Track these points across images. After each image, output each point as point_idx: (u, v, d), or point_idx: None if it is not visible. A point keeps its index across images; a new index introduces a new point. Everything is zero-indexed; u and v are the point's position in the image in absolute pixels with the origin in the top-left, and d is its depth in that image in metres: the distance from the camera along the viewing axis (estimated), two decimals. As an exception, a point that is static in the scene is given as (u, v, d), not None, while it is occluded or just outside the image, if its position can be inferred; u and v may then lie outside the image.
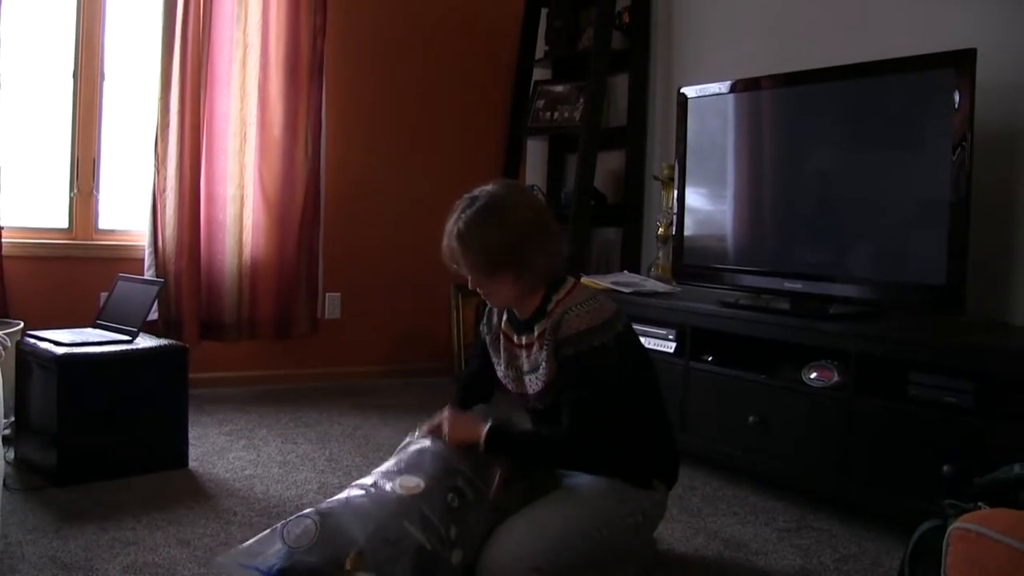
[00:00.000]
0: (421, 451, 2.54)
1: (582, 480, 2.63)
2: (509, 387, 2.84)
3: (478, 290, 2.68)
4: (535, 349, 2.66)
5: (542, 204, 2.84)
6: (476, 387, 2.97)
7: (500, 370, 2.85)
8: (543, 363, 2.61)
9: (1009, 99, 3.47)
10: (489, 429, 2.50)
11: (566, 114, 5.52)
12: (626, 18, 5.29)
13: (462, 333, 5.67)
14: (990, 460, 2.34)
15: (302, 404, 4.93)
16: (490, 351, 2.89)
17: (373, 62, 5.56)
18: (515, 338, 2.75)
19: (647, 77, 5.28)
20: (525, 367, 2.73)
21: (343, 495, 2.44)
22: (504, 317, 2.83)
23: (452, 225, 2.61)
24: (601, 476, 2.60)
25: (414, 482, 2.39)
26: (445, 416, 2.61)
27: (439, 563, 2.26)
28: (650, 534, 2.80)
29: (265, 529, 3.01)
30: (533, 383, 2.68)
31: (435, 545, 2.27)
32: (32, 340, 3.68)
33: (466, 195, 2.66)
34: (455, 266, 2.65)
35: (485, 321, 2.93)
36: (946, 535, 2.00)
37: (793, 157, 3.83)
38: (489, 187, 2.64)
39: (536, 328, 2.65)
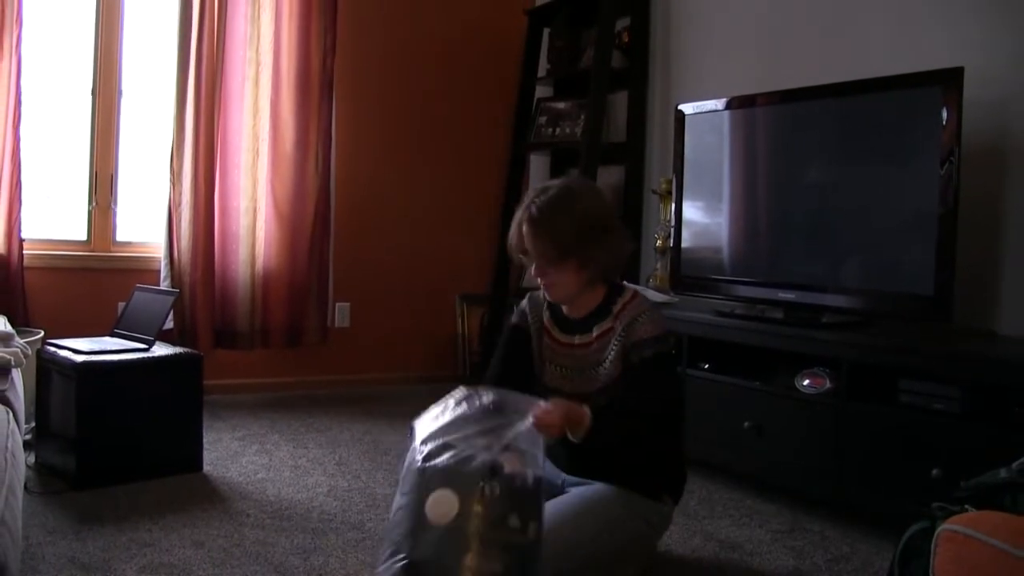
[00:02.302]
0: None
1: (592, 488, 2.61)
2: (548, 384, 2.76)
3: (539, 280, 2.65)
4: (593, 349, 2.64)
5: (610, 202, 2.84)
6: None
7: (547, 369, 2.79)
8: (607, 363, 2.61)
9: (995, 115, 3.48)
10: (591, 413, 2.41)
11: (567, 130, 5.53)
12: (625, 38, 5.31)
13: (467, 341, 5.68)
14: (977, 464, 2.34)
15: (313, 410, 4.94)
16: (534, 342, 2.83)
17: (381, 80, 5.58)
18: (563, 337, 2.73)
19: (645, 94, 5.29)
20: (575, 366, 2.70)
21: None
22: (547, 316, 2.80)
23: (523, 211, 2.62)
24: (632, 471, 2.60)
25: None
26: (546, 407, 2.35)
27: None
28: (653, 544, 2.80)
29: (276, 532, 3.03)
30: (587, 383, 2.66)
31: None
32: (52, 348, 3.69)
33: (538, 185, 2.67)
34: (520, 255, 2.67)
35: (526, 318, 2.87)
36: (934, 537, 2.00)
37: (787, 171, 3.84)
38: (561, 180, 2.66)
39: (596, 328, 2.64)
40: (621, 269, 2.73)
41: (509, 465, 2.14)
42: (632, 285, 2.79)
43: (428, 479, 2.15)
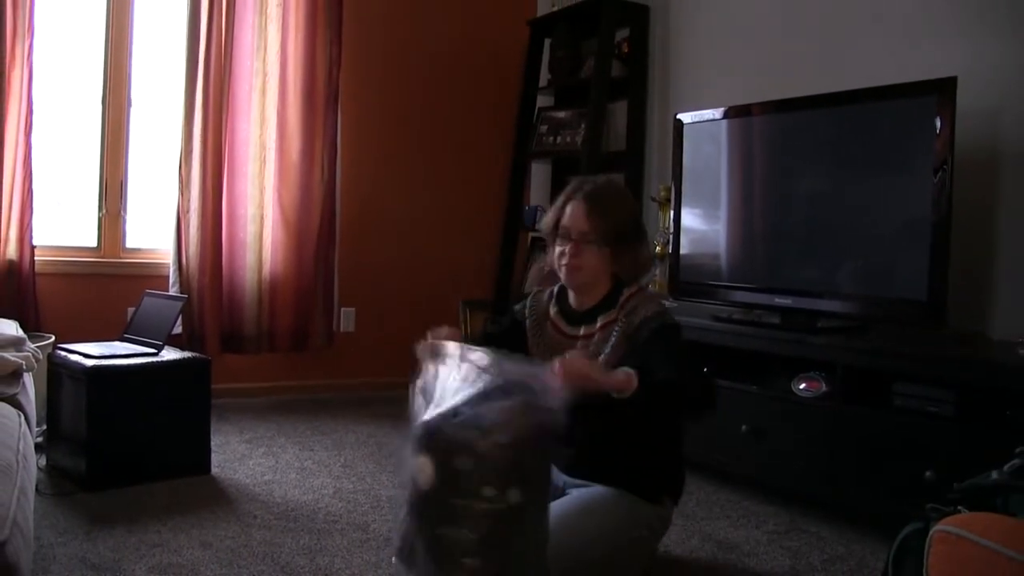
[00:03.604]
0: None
1: (593, 491, 2.58)
2: None
3: (564, 261, 2.61)
4: (597, 339, 2.62)
5: None
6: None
7: (538, 356, 2.72)
8: (607, 350, 2.58)
9: (987, 124, 3.49)
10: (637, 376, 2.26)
11: (568, 139, 5.53)
12: (625, 48, 5.32)
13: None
14: (970, 466, 2.34)
15: (318, 413, 4.94)
16: (529, 336, 2.82)
17: (386, 90, 5.59)
18: (568, 329, 2.71)
19: (645, 104, 5.30)
20: (579, 355, 2.57)
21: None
22: (554, 307, 2.79)
23: (574, 191, 2.66)
24: (633, 473, 2.57)
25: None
26: (566, 361, 2.23)
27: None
28: (653, 547, 2.79)
29: (283, 533, 3.03)
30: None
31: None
32: (63, 353, 3.69)
33: (578, 178, 2.73)
34: (553, 236, 2.68)
35: (529, 306, 2.86)
36: (928, 537, 2.00)
37: (783, 179, 3.85)
38: (608, 177, 2.73)
39: (601, 318, 2.63)
40: (640, 275, 2.73)
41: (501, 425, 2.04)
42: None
43: (414, 441, 2.13)
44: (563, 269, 2.65)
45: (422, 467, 2.06)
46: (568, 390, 2.10)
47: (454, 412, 2.04)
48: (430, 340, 2.38)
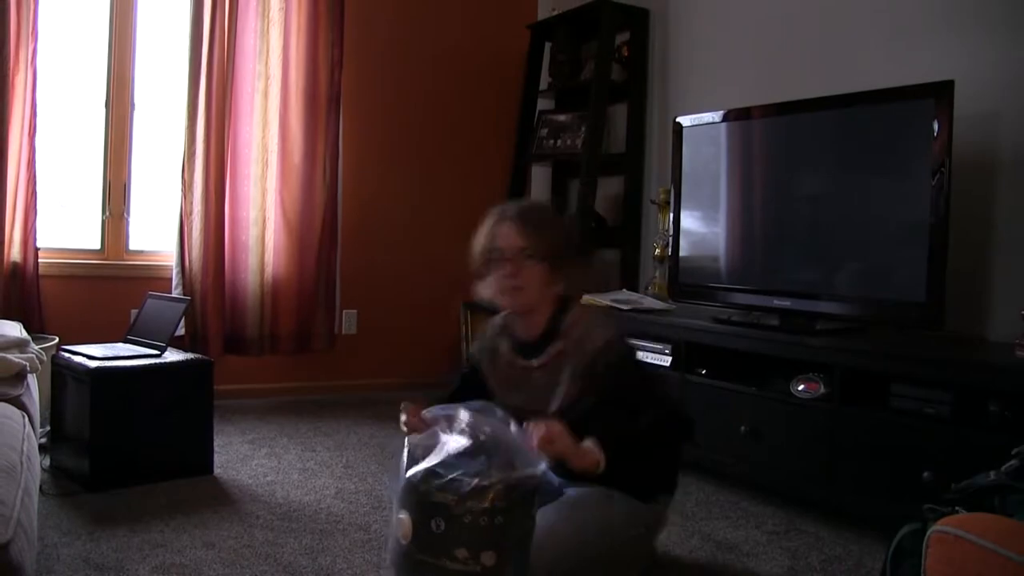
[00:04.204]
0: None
1: (589, 491, 2.54)
2: (507, 404, 2.54)
3: (504, 284, 2.55)
4: (549, 370, 2.58)
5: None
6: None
7: (497, 390, 2.71)
8: (562, 385, 2.54)
9: (984, 128, 3.50)
10: (600, 447, 2.28)
11: (568, 142, 5.54)
12: (625, 52, 5.32)
13: (471, 347, 5.68)
14: (967, 467, 2.34)
15: (321, 414, 4.94)
16: (486, 375, 2.77)
17: (387, 93, 5.60)
18: (521, 362, 2.66)
19: (644, 107, 5.31)
20: (532, 389, 2.61)
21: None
22: (504, 341, 2.74)
23: (502, 213, 2.60)
24: (629, 474, 2.48)
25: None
26: (541, 427, 2.21)
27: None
28: (651, 544, 2.79)
29: (285, 533, 3.04)
30: (545, 404, 2.55)
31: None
32: (66, 354, 3.70)
33: (499, 205, 2.68)
34: (487, 261, 2.61)
35: (481, 347, 2.83)
36: (925, 538, 2.01)
37: (782, 182, 3.85)
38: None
39: (549, 349, 2.58)
40: (580, 292, 2.70)
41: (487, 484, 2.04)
42: (588, 298, 2.75)
43: (396, 497, 2.15)
44: (503, 294, 2.59)
45: (402, 522, 2.08)
46: (545, 455, 2.13)
47: (434, 473, 2.05)
48: (406, 416, 2.42)
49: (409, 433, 2.31)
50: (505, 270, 2.55)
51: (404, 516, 2.08)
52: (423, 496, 2.04)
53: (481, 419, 2.15)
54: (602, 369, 2.49)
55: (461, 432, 2.13)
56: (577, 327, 2.56)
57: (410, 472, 2.09)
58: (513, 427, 2.17)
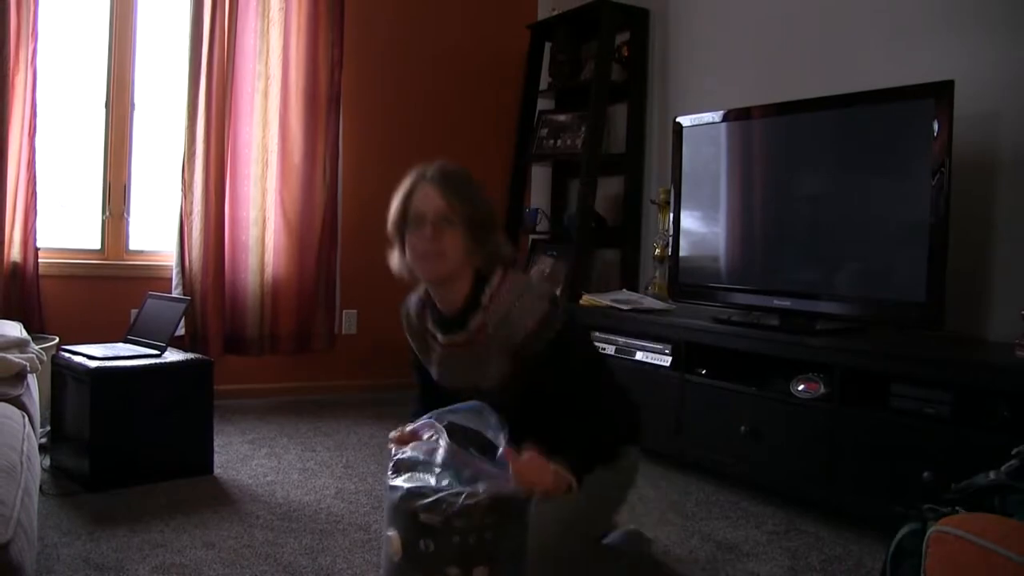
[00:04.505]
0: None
1: None
2: (446, 386, 2.53)
3: (426, 245, 2.33)
4: (474, 348, 2.40)
5: None
6: (431, 403, 2.46)
7: (434, 371, 2.56)
8: (492, 365, 2.38)
9: (984, 128, 3.50)
10: (569, 470, 2.18)
11: (568, 142, 5.54)
12: (625, 52, 5.32)
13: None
14: (967, 467, 2.34)
15: (321, 414, 4.94)
16: (418, 354, 2.63)
17: (387, 93, 5.59)
18: (445, 339, 2.47)
19: (644, 107, 5.31)
20: (465, 365, 2.45)
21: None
22: (429, 320, 2.53)
23: (420, 175, 2.39)
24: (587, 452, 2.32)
25: None
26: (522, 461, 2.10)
27: None
28: (628, 492, 2.65)
29: (285, 533, 3.04)
30: (480, 380, 2.41)
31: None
32: (66, 354, 3.70)
33: (417, 167, 2.44)
34: (403, 228, 2.39)
35: (406, 326, 2.65)
36: (925, 538, 2.01)
37: (782, 182, 3.85)
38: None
39: (471, 323, 2.39)
40: (497, 265, 2.44)
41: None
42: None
43: (387, 513, 2.11)
44: (422, 260, 2.36)
45: (391, 540, 2.06)
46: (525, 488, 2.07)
47: (419, 492, 2.01)
48: (394, 438, 2.29)
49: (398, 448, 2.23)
50: (425, 234, 2.33)
51: (393, 534, 2.06)
52: (409, 517, 2.01)
53: (462, 454, 2.09)
54: (538, 350, 2.33)
55: (444, 458, 2.09)
56: (500, 299, 2.37)
57: (395, 490, 2.06)
58: (491, 465, 2.09)
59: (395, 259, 2.47)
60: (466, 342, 2.42)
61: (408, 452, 2.14)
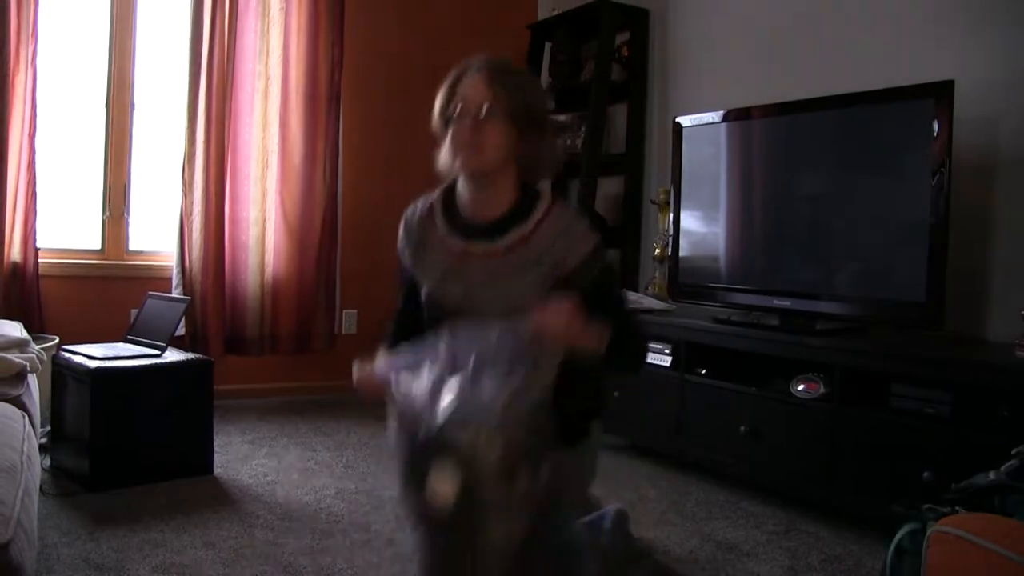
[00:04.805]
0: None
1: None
2: (446, 302, 2.30)
3: (464, 137, 2.18)
4: (507, 260, 2.22)
5: None
6: (411, 327, 2.38)
7: (434, 285, 2.33)
8: (527, 283, 2.20)
9: (984, 128, 3.50)
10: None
11: (568, 141, 5.53)
12: (625, 52, 5.32)
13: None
14: (967, 467, 2.35)
15: (321, 414, 4.94)
16: (414, 261, 2.42)
17: (387, 93, 5.59)
18: (463, 246, 2.28)
19: (644, 107, 5.31)
20: (480, 281, 2.25)
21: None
22: (443, 224, 2.35)
23: (467, 63, 2.25)
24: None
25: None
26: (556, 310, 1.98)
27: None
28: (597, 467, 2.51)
29: (285, 533, 3.03)
30: (498, 302, 2.20)
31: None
32: (67, 354, 3.70)
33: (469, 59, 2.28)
34: (448, 115, 2.24)
35: (404, 232, 2.47)
36: (925, 538, 2.01)
37: (782, 182, 3.85)
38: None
39: (512, 233, 2.23)
40: (543, 177, 2.37)
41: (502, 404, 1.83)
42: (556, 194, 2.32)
43: (421, 455, 1.90)
44: (461, 151, 2.20)
45: (441, 481, 1.83)
46: (554, 348, 1.91)
47: (450, 416, 1.84)
48: (364, 373, 2.15)
49: (361, 390, 2.12)
50: (465, 124, 2.18)
51: (440, 474, 1.82)
52: (455, 442, 1.82)
53: (463, 337, 1.94)
54: (587, 281, 2.20)
55: (451, 364, 1.92)
56: (551, 221, 2.22)
57: (429, 427, 1.87)
58: (496, 332, 1.94)
59: (442, 155, 2.30)
60: (496, 253, 2.23)
61: (411, 390, 1.97)
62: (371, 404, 2.15)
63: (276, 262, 5.13)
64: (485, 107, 2.16)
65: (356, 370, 2.19)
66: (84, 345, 3.80)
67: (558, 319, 1.96)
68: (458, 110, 2.20)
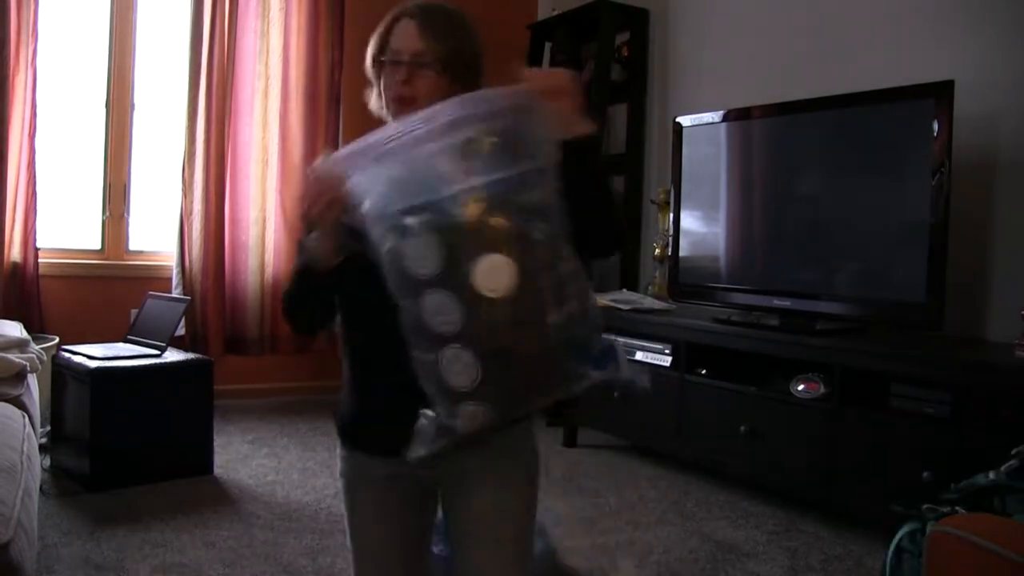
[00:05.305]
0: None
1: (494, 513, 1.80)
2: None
3: (395, 89, 2.03)
4: None
5: None
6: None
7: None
8: None
9: (985, 128, 3.49)
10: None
11: (568, 142, 5.53)
12: (625, 52, 5.32)
13: None
14: (966, 467, 2.35)
15: (320, 414, 4.94)
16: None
17: (387, 93, 5.59)
18: None
19: (644, 107, 5.31)
20: None
21: None
22: None
23: (402, 8, 2.05)
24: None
25: None
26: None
27: None
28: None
29: (285, 533, 3.04)
30: None
31: None
32: (67, 354, 3.70)
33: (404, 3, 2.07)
34: (379, 64, 2.07)
35: None
36: (925, 538, 2.02)
37: (782, 182, 3.85)
38: None
39: None
40: None
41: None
42: None
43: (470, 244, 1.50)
44: (391, 103, 2.06)
45: (493, 269, 1.47)
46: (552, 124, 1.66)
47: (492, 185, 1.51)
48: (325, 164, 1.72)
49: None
50: (398, 75, 2.04)
51: (492, 258, 1.47)
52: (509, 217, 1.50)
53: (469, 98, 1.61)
54: None
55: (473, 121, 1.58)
56: None
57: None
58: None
59: (373, 99, 2.16)
60: None
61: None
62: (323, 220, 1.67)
63: (276, 262, 5.12)
64: (417, 57, 1.99)
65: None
66: (84, 345, 3.81)
67: (548, 77, 1.72)
68: (390, 61, 2.07)
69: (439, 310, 1.47)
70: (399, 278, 1.51)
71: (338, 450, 1.87)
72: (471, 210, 1.49)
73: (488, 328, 1.47)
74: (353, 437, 1.87)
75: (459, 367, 1.47)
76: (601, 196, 1.84)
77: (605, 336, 1.56)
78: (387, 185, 1.56)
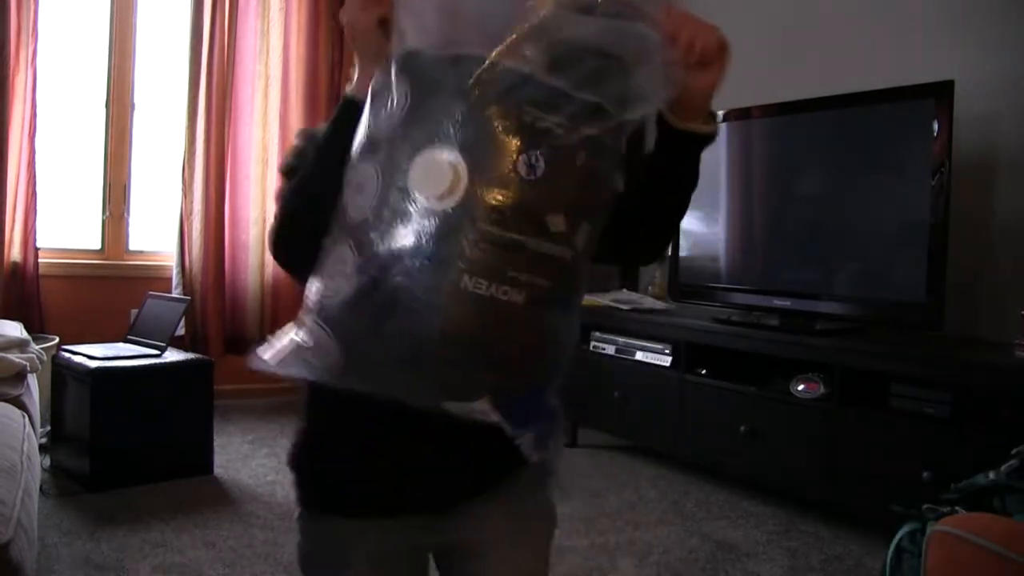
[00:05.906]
0: None
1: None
2: None
3: None
4: None
5: None
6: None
7: None
8: None
9: (984, 128, 3.49)
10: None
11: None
12: (625, 51, 5.31)
13: None
14: (966, 467, 2.35)
15: (320, 414, 4.93)
16: None
17: (387, 93, 5.59)
18: None
19: (644, 107, 5.30)
20: None
21: None
22: None
23: None
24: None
25: None
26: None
27: None
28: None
29: (285, 533, 3.03)
30: None
31: None
32: (67, 354, 3.70)
33: None
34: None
35: None
36: (925, 538, 2.01)
37: (782, 182, 3.85)
38: None
39: None
40: None
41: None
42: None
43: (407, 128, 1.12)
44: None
45: (433, 170, 1.09)
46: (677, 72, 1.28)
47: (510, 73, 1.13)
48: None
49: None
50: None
51: (442, 155, 1.09)
52: (505, 112, 1.12)
53: None
54: None
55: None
56: None
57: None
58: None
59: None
60: None
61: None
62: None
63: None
64: None
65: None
66: (84, 345, 3.80)
67: (711, 41, 1.32)
68: None
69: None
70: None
71: (295, 516, 1.38)
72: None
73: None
74: (325, 491, 1.35)
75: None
76: (682, 202, 1.56)
77: (552, 400, 1.21)
78: (435, 12, 1.16)
